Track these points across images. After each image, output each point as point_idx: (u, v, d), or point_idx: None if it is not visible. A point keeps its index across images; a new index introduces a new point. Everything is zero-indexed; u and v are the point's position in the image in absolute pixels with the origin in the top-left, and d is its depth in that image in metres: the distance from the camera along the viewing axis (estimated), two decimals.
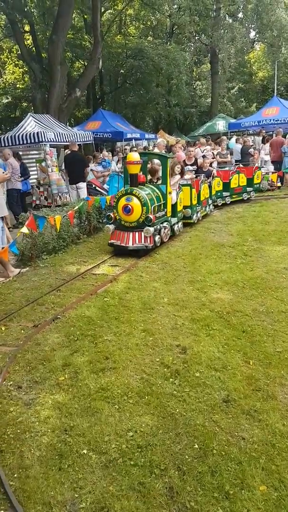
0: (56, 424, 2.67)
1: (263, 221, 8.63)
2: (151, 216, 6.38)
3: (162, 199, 7.04)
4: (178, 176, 7.80)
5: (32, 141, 11.65)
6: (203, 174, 9.45)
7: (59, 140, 12.11)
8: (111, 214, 6.80)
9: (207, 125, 23.06)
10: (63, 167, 11.20)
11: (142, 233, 6.43)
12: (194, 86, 30.70)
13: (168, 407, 2.79)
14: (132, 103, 26.16)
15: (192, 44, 29.84)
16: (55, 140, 11.98)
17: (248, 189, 11.29)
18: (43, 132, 11.61)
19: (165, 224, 7.03)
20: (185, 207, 8.21)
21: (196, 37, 28.89)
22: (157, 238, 6.59)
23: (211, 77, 27.65)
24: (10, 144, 11.76)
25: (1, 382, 3.16)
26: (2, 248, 5.54)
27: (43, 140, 11.46)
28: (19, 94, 26.54)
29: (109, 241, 6.78)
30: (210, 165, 10.64)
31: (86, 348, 3.68)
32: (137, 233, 6.53)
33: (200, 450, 2.39)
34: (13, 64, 25.35)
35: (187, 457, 2.34)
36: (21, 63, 24.04)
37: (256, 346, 3.60)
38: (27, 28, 20.16)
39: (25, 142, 11.77)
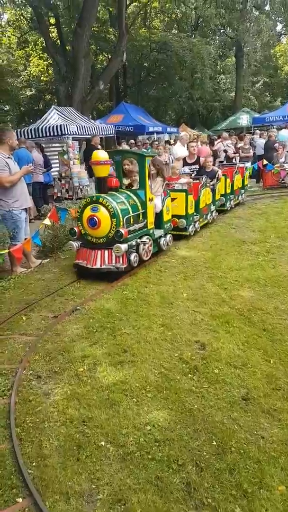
0: (74, 414, 2.69)
1: (287, 217, 8.44)
2: (123, 231, 5.02)
3: (140, 208, 5.61)
4: (160, 179, 6.32)
5: (55, 133, 11.73)
6: (205, 175, 7.99)
7: (82, 133, 12.16)
8: (75, 228, 5.39)
9: (230, 119, 22.70)
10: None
11: (113, 252, 5.16)
12: (218, 80, 30.23)
13: (186, 403, 2.77)
14: (154, 96, 26.00)
15: (217, 37, 29.35)
16: (77, 133, 12.03)
17: (242, 191, 10.38)
18: (66, 125, 11.67)
19: (145, 238, 5.61)
20: (179, 217, 6.90)
21: (222, 30, 28.40)
22: (133, 257, 5.24)
23: (236, 70, 27.18)
24: (33, 136, 11.88)
25: (21, 371, 3.21)
26: (25, 239, 5.61)
27: (66, 133, 11.53)
28: (43, 87, 26.78)
29: (74, 261, 5.49)
30: (214, 164, 9.43)
31: (105, 340, 3.70)
32: (106, 251, 5.20)
33: (218, 447, 2.36)
34: (38, 56, 25.53)
35: (205, 453, 2.31)
36: (45, 55, 24.19)
37: (277, 345, 3.53)
38: (52, 21, 20.23)
39: (48, 134, 11.86)
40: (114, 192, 5.46)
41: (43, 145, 11.62)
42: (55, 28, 20.30)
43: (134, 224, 5.43)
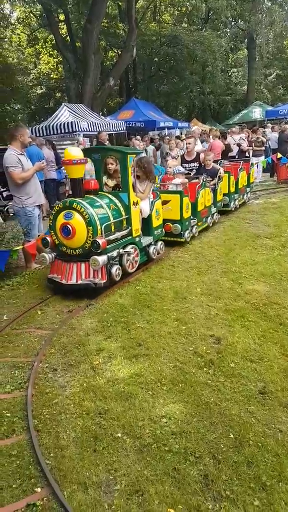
0: (90, 407, 2.70)
1: None
2: (100, 241, 4.34)
3: (123, 213, 4.95)
4: (147, 181, 5.54)
5: (66, 130, 11.78)
6: (205, 174, 7.29)
7: (92, 130, 12.18)
8: (48, 237, 4.76)
9: (243, 113, 22.43)
10: None
11: (90, 265, 4.49)
12: (230, 73, 29.85)
13: (202, 396, 2.76)
14: (165, 91, 25.81)
15: (228, 30, 28.96)
16: (88, 129, 12.06)
17: (247, 189, 9.72)
18: (77, 121, 11.70)
19: (129, 248, 4.95)
20: (173, 222, 6.26)
21: (233, 23, 28.02)
22: (114, 270, 4.60)
23: (248, 63, 26.81)
24: (45, 134, 11.95)
25: (37, 364, 3.23)
26: (38, 235, 5.64)
27: (77, 129, 11.57)
28: (53, 85, 26.86)
29: (48, 276, 4.85)
30: (216, 162, 8.57)
31: (119, 334, 3.70)
32: (83, 265, 4.55)
33: (235, 440, 2.35)
34: (48, 54, 25.60)
35: (222, 446, 2.30)
36: (55, 53, 24.25)
37: None
38: (61, 17, 20.25)
39: (59, 131, 11.93)
40: (92, 196, 4.79)
41: (54, 143, 11.68)
42: (65, 25, 20.31)
43: (116, 232, 4.77)
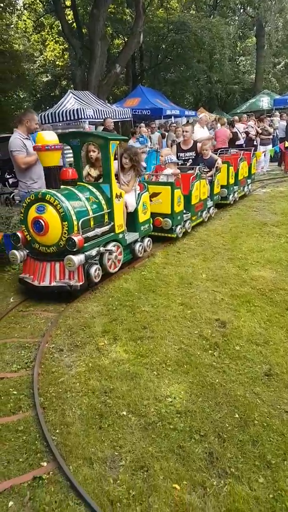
0: (96, 386, 2.72)
1: None
2: (76, 238, 3.87)
3: (105, 207, 4.46)
4: (133, 173, 5.12)
5: (71, 118, 11.67)
6: (201, 164, 6.78)
7: (98, 117, 12.06)
8: (18, 233, 4.28)
9: (251, 101, 22.11)
10: None
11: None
12: (238, 62, 29.36)
13: (207, 377, 2.76)
14: (172, 80, 25.48)
15: (237, 17, 28.40)
16: (94, 117, 11.94)
17: (248, 180, 9.09)
18: (83, 109, 11.59)
19: (111, 246, 4.45)
20: (163, 216, 5.71)
21: (242, 10, 27.46)
22: (93, 270, 4.15)
23: (256, 51, 26.32)
24: (50, 121, 11.85)
25: (44, 345, 3.25)
26: None
27: (82, 117, 11.46)
28: (59, 72, 26.60)
29: (19, 275, 4.39)
30: (215, 151, 8.24)
31: (124, 317, 3.71)
32: (57, 264, 4.08)
33: (241, 419, 2.35)
34: (54, 40, 25.30)
35: (227, 425, 2.31)
36: (61, 39, 23.94)
37: None
38: (68, 3, 19.96)
39: (64, 119, 11.82)
40: (69, 187, 4.30)
41: (59, 131, 11.60)
42: (71, 11, 20.02)
43: (95, 228, 4.29)
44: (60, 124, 12.04)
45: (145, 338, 3.33)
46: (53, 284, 4.07)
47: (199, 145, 7.05)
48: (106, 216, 4.51)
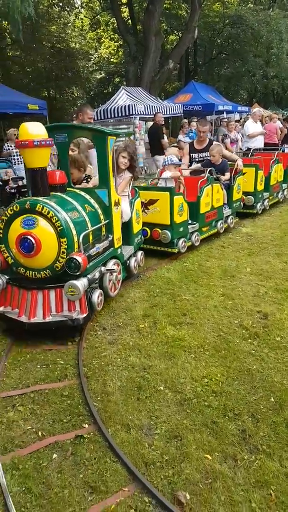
0: (135, 362, 2.86)
1: None
2: (80, 258, 3.09)
3: (102, 217, 3.71)
4: (128, 175, 4.38)
5: (122, 114, 11.91)
6: (210, 169, 5.63)
7: (149, 113, 12.21)
8: None
9: None
10: (146, 139, 11.31)
11: (64, 293, 3.17)
12: None
13: (245, 363, 2.81)
14: (226, 75, 25.04)
15: None
16: (144, 112, 12.11)
17: (283, 185, 8.02)
18: (134, 104, 11.79)
19: (111, 264, 3.69)
20: (162, 227, 4.86)
21: None
22: (96, 296, 3.35)
23: None
24: (102, 118, 12.17)
25: (89, 323, 3.45)
26: None
27: (133, 113, 11.65)
28: (112, 69, 27.13)
29: None
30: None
31: (165, 304, 3.82)
32: (52, 293, 3.21)
33: (276, 403, 2.38)
34: (109, 38, 25.85)
35: (261, 407, 2.35)
36: (116, 37, 24.40)
37: None
38: (124, 0, 20.29)
39: (115, 115, 12.09)
40: (59, 194, 3.45)
41: (111, 127, 11.88)
42: (127, 8, 20.35)
43: (95, 244, 3.51)
44: (111, 121, 12.34)
45: (184, 324, 3.43)
46: (49, 319, 3.15)
47: (213, 148, 6.05)
48: (103, 229, 3.74)
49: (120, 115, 12.02)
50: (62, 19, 21.73)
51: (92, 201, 3.70)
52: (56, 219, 3.09)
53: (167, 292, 4.11)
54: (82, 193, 3.73)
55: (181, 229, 5.03)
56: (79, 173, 4.08)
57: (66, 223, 3.15)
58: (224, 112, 15.74)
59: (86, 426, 2.31)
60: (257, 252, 5.26)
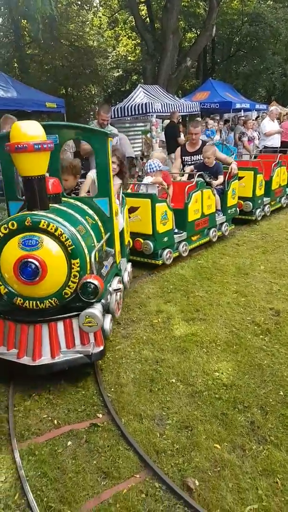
0: (148, 355, 2.94)
1: None
2: (96, 282, 2.67)
3: (103, 230, 3.33)
4: (118, 181, 3.89)
5: (139, 112, 11.97)
6: (206, 173, 5.35)
7: (166, 111, 12.24)
8: None
9: None
10: (162, 137, 11.34)
11: (74, 324, 2.71)
12: None
13: (256, 358, 2.86)
14: (244, 73, 24.81)
15: None
16: (161, 110, 12.13)
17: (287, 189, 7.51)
18: (151, 102, 11.84)
19: (115, 283, 3.23)
20: (144, 237, 4.46)
21: None
22: (108, 324, 2.82)
23: None
24: (119, 115, 12.25)
25: None
26: None
27: (150, 111, 11.69)
28: (130, 67, 27.19)
29: None
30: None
31: (178, 300, 3.89)
32: (59, 325, 2.70)
33: (285, 397, 2.43)
34: (126, 36, 25.93)
35: (271, 400, 2.40)
36: (133, 35, 24.46)
37: None
38: None
39: (132, 113, 12.15)
40: (57, 206, 2.93)
41: (127, 125, 11.94)
42: (145, 6, 20.37)
43: (103, 262, 3.19)
44: (128, 118, 12.41)
45: (197, 320, 3.49)
46: (59, 358, 2.63)
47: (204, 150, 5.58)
48: (108, 243, 3.40)
49: (137, 113, 12.08)
50: (80, 17, 21.89)
51: (90, 212, 3.25)
52: (66, 237, 2.58)
53: (180, 289, 4.17)
54: (78, 203, 3.23)
55: (166, 239, 4.60)
56: (74, 180, 3.84)
57: (77, 241, 2.66)
58: (242, 110, 15.64)
59: (100, 415, 2.40)
60: (272, 250, 5.27)
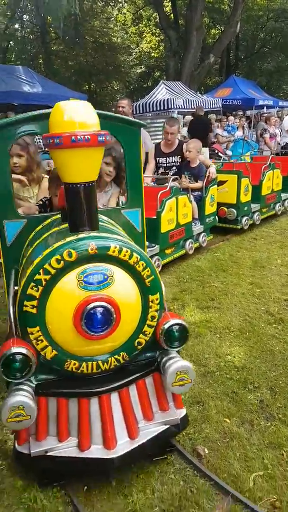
0: None
1: None
2: (183, 322, 1.94)
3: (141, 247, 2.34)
4: (116, 189, 3.28)
5: (161, 108, 12.06)
6: (187, 173, 5.06)
7: (187, 107, 12.29)
8: (23, 349, 1.69)
9: None
10: (184, 132, 11.37)
11: (149, 386, 1.97)
12: None
13: (268, 344, 2.95)
14: (268, 70, 24.53)
15: None
16: (183, 106, 12.20)
17: (283, 195, 6.68)
18: (173, 99, 11.91)
19: None
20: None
21: None
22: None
23: None
24: (140, 111, 12.38)
25: None
26: None
27: (172, 107, 11.78)
28: (153, 64, 27.24)
29: (31, 450, 1.78)
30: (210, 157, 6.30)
31: (194, 289, 4.00)
32: (131, 391, 1.91)
33: None
34: (150, 32, 25.97)
35: (280, 382, 2.50)
36: (157, 31, 24.47)
37: None
38: None
39: (154, 109, 12.26)
40: (108, 224, 2.20)
41: (148, 121, 12.04)
42: (169, 2, 20.39)
43: None
44: (150, 115, 12.52)
45: (212, 308, 3.59)
46: (141, 438, 1.88)
47: (185, 147, 5.07)
48: None
49: (158, 109, 12.18)
50: (105, 14, 22.09)
51: (119, 228, 2.37)
52: (144, 265, 1.83)
53: (196, 279, 4.28)
54: (102, 217, 2.26)
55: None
56: (33, 187, 3.18)
57: (155, 271, 1.90)
58: (265, 107, 15.51)
59: None
60: None
